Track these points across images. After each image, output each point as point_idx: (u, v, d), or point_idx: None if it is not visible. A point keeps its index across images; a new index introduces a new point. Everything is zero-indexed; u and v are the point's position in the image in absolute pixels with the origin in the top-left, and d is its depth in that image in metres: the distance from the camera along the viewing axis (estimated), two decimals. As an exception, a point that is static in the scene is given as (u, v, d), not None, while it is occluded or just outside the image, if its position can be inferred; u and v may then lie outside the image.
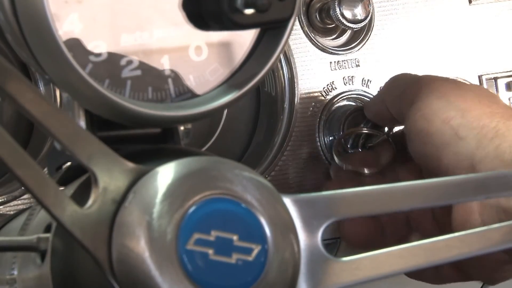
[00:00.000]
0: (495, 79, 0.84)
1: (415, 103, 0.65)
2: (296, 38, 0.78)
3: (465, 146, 0.62)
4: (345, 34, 0.82)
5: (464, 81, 0.82)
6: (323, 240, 0.44)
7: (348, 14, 0.77)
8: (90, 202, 0.40)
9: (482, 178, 0.49)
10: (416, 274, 0.71)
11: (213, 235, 0.40)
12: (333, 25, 0.80)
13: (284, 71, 0.78)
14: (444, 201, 0.49)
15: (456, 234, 0.47)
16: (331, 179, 0.77)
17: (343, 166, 0.74)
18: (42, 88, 0.70)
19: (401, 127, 0.74)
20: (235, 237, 0.41)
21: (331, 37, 0.82)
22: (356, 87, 0.80)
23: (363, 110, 0.78)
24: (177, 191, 0.40)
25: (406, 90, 0.68)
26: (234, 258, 0.40)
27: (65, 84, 0.44)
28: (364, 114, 0.78)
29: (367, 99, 0.80)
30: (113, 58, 0.46)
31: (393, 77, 0.72)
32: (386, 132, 0.75)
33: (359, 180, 0.73)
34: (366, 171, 0.73)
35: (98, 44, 0.45)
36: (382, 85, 0.80)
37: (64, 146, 0.41)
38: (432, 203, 0.49)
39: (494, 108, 0.63)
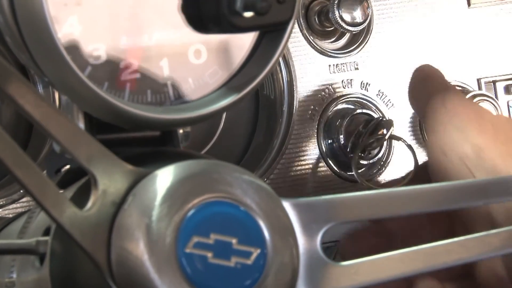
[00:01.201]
0: (494, 82, 0.84)
1: (435, 132, 0.65)
2: (295, 41, 0.78)
3: None
4: (344, 37, 0.82)
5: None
6: (322, 243, 0.44)
7: (347, 17, 0.77)
8: (89, 204, 0.40)
9: (482, 183, 0.49)
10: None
11: (212, 238, 0.40)
12: (332, 28, 0.80)
13: (283, 74, 0.78)
14: (444, 206, 0.49)
15: (456, 239, 0.47)
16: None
17: (362, 183, 0.74)
18: (41, 90, 0.70)
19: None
20: (234, 241, 0.41)
21: (330, 40, 0.82)
22: (355, 90, 0.80)
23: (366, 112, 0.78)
24: (176, 194, 0.40)
25: (429, 106, 0.67)
26: (233, 261, 0.40)
27: (64, 86, 0.44)
28: (363, 117, 0.78)
29: (366, 102, 0.80)
30: (112, 61, 0.46)
31: (419, 72, 0.68)
32: (385, 134, 0.76)
33: None
34: None
35: (97, 47, 0.45)
36: (381, 88, 0.81)
37: (63, 148, 0.40)
38: (432, 208, 0.49)
39: (509, 147, 0.63)
